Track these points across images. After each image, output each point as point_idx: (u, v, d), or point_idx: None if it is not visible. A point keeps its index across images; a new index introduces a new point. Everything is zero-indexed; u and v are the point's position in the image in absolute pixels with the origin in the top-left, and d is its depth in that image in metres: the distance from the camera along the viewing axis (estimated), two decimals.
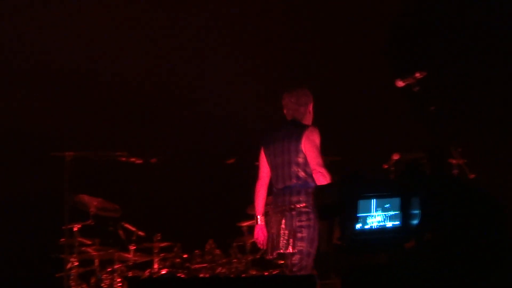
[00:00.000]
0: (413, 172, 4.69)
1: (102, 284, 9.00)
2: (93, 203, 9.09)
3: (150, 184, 10.17)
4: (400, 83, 7.93)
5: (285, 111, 7.53)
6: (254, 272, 9.13)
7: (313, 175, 7.07)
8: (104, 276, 9.03)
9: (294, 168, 7.18)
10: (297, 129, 7.24)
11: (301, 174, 7.16)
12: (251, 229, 9.33)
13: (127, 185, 10.09)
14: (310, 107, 7.52)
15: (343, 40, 10.48)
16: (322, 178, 6.93)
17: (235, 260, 9.17)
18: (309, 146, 7.16)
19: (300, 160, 7.17)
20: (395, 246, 4.63)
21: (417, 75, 7.82)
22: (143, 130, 10.39)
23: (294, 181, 7.17)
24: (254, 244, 9.31)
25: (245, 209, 9.31)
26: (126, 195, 9.81)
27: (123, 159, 9.16)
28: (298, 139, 7.18)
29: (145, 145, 9.96)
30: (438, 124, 7.72)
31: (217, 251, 9.15)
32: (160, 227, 9.23)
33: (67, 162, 8.91)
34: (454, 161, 7.86)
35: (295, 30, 10.54)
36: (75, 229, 8.95)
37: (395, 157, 8.39)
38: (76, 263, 8.95)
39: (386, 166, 8.52)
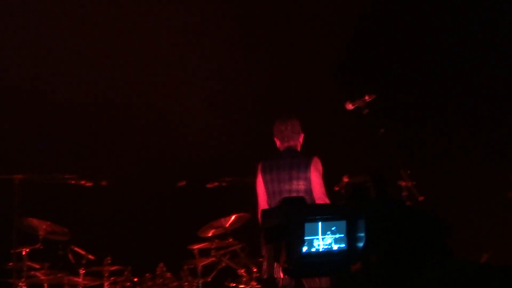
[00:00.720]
0: (358, 195, 4.71)
1: None
2: (42, 226, 8.98)
3: (100, 207, 10.08)
4: (349, 106, 8.02)
5: (278, 139, 7.76)
6: None
7: (320, 202, 7.40)
8: None
9: (296, 195, 7.35)
10: (304, 159, 7.54)
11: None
12: (202, 252, 9.34)
13: (77, 208, 10.00)
14: (302, 137, 7.80)
15: (293, 62, 10.54)
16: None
17: (186, 284, 9.13)
18: (316, 176, 7.52)
19: (305, 188, 7.46)
20: (341, 269, 4.63)
21: (366, 97, 7.92)
22: (93, 152, 10.31)
23: None
24: (205, 267, 9.33)
25: (196, 231, 9.29)
26: (75, 218, 9.72)
27: (73, 181, 9.08)
28: (307, 168, 7.49)
29: (95, 168, 9.89)
30: (388, 146, 7.79)
31: (168, 274, 9.10)
32: (110, 250, 9.12)
33: (16, 185, 8.84)
34: (403, 183, 7.91)
35: (245, 54, 10.58)
36: (23, 253, 8.84)
37: (346, 179, 8.43)
38: None
39: (337, 188, 8.55)
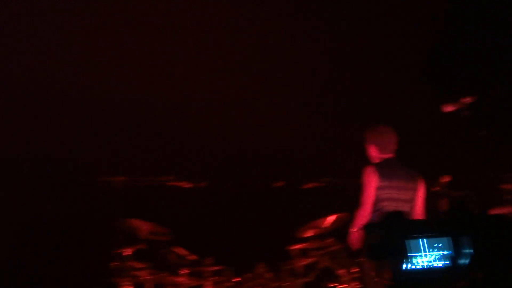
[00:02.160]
0: (462, 211, 4.63)
1: None
2: (144, 227, 9.14)
3: (200, 208, 10.22)
4: (448, 108, 7.87)
5: (378, 148, 7.81)
6: None
7: (418, 216, 7.54)
8: None
9: (408, 206, 7.57)
10: (415, 172, 7.76)
11: (411, 212, 7.58)
12: (301, 252, 9.34)
13: (178, 210, 10.14)
14: None
15: (390, 65, 10.44)
16: None
17: (287, 284, 9.14)
18: (422, 191, 7.74)
19: (414, 200, 7.64)
20: (445, 286, 4.57)
21: (466, 99, 7.76)
22: (192, 154, 10.42)
23: (409, 217, 7.49)
24: (305, 267, 9.33)
25: (295, 232, 9.30)
26: (176, 219, 9.85)
27: (173, 183, 9.20)
28: (418, 182, 7.71)
29: (195, 169, 9.99)
30: (489, 149, 7.64)
31: (268, 275, 9.12)
32: (211, 250, 9.21)
33: (118, 187, 8.99)
34: (506, 187, 7.74)
35: (337, 56, 10.53)
36: (126, 253, 9.00)
37: (445, 179, 8.33)
38: (129, 287, 8.99)
39: (434, 189, 8.45)
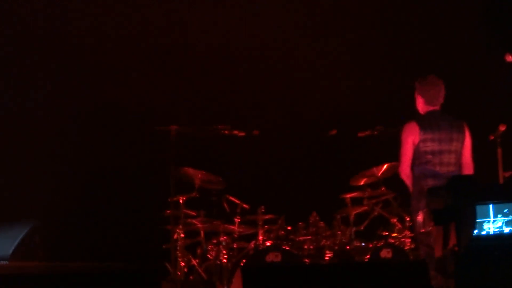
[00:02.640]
0: None
1: (208, 255, 9.11)
2: (197, 175, 9.18)
3: (253, 157, 10.23)
4: (510, 58, 7.76)
5: (425, 99, 7.68)
6: (358, 244, 9.11)
7: (466, 167, 7.36)
8: (209, 247, 9.14)
9: (454, 157, 7.43)
10: (459, 122, 7.61)
11: (458, 162, 7.43)
12: (354, 200, 9.35)
13: (231, 158, 10.18)
14: None
15: (448, 13, 10.29)
16: (472, 170, 7.23)
17: (339, 232, 9.16)
18: (469, 140, 7.57)
19: (460, 150, 7.48)
20: None
21: None
22: (245, 103, 10.41)
23: (454, 168, 7.32)
24: (357, 216, 9.35)
25: (348, 180, 9.30)
26: (229, 168, 9.90)
27: (226, 132, 9.21)
28: (463, 132, 7.56)
29: (248, 118, 10.00)
30: None
31: (321, 223, 9.13)
32: (264, 199, 9.24)
33: (172, 135, 9.04)
34: None
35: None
36: (180, 201, 9.08)
37: (502, 128, 8.25)
38: (182, 235, 9.09)
39: (492, 137, 8.37)
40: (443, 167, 7.38)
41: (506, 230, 4.51)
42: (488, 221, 4.49)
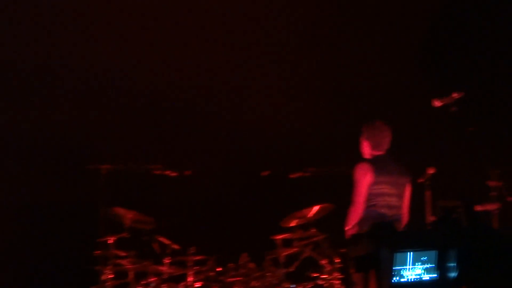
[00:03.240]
0: (449, 223, 4.64)
1: None
2: (128, 215, 9.10)
3: (184, 197, 10.18)
4: (437, 103, 7.89)
5: (371, 144, 7.82)
6: (287, 286, 9.11)
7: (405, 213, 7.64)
8: None
9: (400, 201, 7.64)
10: (405, 168, 7.82)
11: (401, 206, 7.63)
12: (285, 242, 9.36)
13: (162, 198, 10.12)
14: None
15: (378, 55, 10.44)
16: (407, 215, 7.60)
17: (269, 274, 9.15)
18: (410, 185, 7.79)
19: (403, 195, 7.69)
20: None
21: (454, 95, 7.78)
22: (178, 143, 10.39)
23: (399, 212, 7.58)
24: (288, 257, 9.35)
25: (279, 222, 9.31)
26: (160, 207, 9.84)
27: (158, 172, 9.18)
28: (407, 178, 7.78)
29: (180, 158, 9.96)
30: (476, 145, 7.66)
31: (251, 265, 9.14)
32: (195, 240, 9.20)
33: (103, 175, 8.97)
34: (492, 183, 7.77)
35: (330, 53, 10.52)
36: (110, 241, 8.98)
37: (431, 171, 8.37)
38: (111, 275, 8.98)
39: (421, 180, 8.48)
40: (391, 210, 7.49)
41: (425, 277, 4.54)
42: (407, 269, 4.52)
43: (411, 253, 4.52)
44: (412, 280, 4.53)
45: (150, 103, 10.35)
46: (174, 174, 9.25)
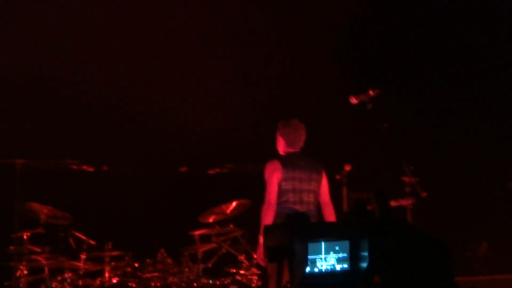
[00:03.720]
0: (361, 214, 4.69)
1: None
2: (43, 210, 8.98)
3: (101, 192, 10.09)
4: (353, 100, 7.99)
5: (286, 142, 7.86)
6: (205, 281, 9.10)
7: (326, 206, 7.81)
8: (54, 284, 8.92)
9: (313, 196, 7.73)
10: (318, 163, 7.88)
11: (316, 202, 7.77)
12: (203, 238, 9.35)
13: (78, 193, 10.01)
14: None
15: (296, 52, 10.52)
16: (332, 210, 7.77)
17: (187, 269, 9.13)
18: (326, 181, 7.89)
19: (318, 190, 7.78)
20: None
21: (370, 92, 7.89)
22: (95, 138, 10.28)
23: (313, 207, 7.70)
24: (206, 253, 9.34)
25: (197, 217, 9.30)
26: (77, 203, 9.72)
27: (74, 167, 9.06)
28: (321, 172, 7.85)
29: (97, 153, 9.87)
30: (391, 142, 7.77)
31: (169, 260, 9.10)
32: (111, 236, 9.12)
33: (17, 169, 8.81)
34: (406, 179, 7.89)
35: (247, 53, 10.57)
36: (25, 236, 8.85)
37: (347, 168, 8.44)
38: (26, 271, 8.86)
39: (338, 177, 8.55)
40: (303, 205, 7.54)
41: (338, 267, 4.59)
42: (320, 259, 4.56)
43: (324, 243, 4.55)
44: (325, 270, 4.57)
45: (68, 98, 10.23)
46: (91, 169, 9.13)
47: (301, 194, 7.63)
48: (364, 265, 4.58)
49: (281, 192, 7.58)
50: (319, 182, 7.77)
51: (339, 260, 4.59)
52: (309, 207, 7.62)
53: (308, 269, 4.52)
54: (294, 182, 7.63)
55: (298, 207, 7.58)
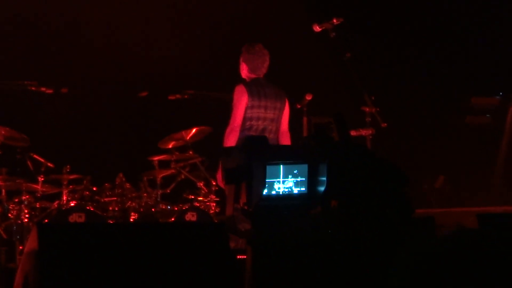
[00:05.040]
0: (321, 138, 4.70)
1: (9, 215, 8.84)
2: (0, 132, 8.85)
3: (60, 115, 9.99)
4: (317, 28, 7.96)
5: (250, 68, 7.73)
6: (164, 207, 9.12)
7: (283, 135, 7.77)
8: (11, 206, 8.86)
9: (275, 125, 7.69)
10: (282, 91, 7.82)
11: (277, 130, 7.74)
12: (162, 163, 9.34)
13: (37, 116, 9.90)
14: None
15: None
16: (289, 140, 7.73)
17: (145, 195, 9.13)
18: (288, 110, 7.83)
19: (279, 119, 7.74)
20: (301, 212, 4.66)
21: (334, 21, 7.85)
22: (54, 59, 10.13)
23: (274, 136, 7.69)
24: (164, 179, 9.35)
25: (157, 143, 9.27)
26: (35, 125, 9.63)
27: (33, 88, 8.93)
28: (284, 101, 7.78)
29: (56, 75, 9.75)
30: (353, 71, 7.77)
31: (127, 185, 9.06)
32: (70, 159, 9.04)
33: None
34: (367, 109, 7.90)
35: None
36: None
37: (308, 97, 8.42)
38: None
39: (299, 106, 8.55)
40: (265, 134, 7.53)
41: (295, 190, 4.61)
42: (279, 182, 4.57)
43: (282, 166, 4.56)
44: (282, 192, 4.58)
45: (28, 19, 10.03)
46: (49, 91, 9.00)
47: (265, 122, 7.61)
48: (322, 189, 4.60)
49: (245, 119, 7.55)
50: (282, 111, 7.75)
51: (297, 184, 4.60)
52: (270, 135, 7.61)
53: (265, 191, 4.53)
54: (260, 110, 7.58)
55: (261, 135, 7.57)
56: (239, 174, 4.52)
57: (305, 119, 8.40)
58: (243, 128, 7.53)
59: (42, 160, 8.96)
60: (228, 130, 7.55)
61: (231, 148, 6.21)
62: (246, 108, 7.55)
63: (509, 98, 10.62)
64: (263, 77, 7.77)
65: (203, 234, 5.18)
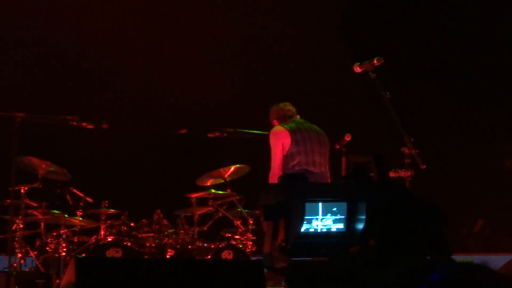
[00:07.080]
0: (360, 177, 4.68)
1: (47, 248, 8.90)
2: (41, 165, 8.94)
3: (100, 150, 10.09)
4: (357, 69, 7.94)
5: (282, 121, 7.88)
6: (200, 244, 9.11)
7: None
8: (49, 239, 8.92)
9: (324, 158, 7.81)
10: (324, 135, 7.98)
11: (326, 164, 7.85)
12: (199, 200, 9.35)
13: (77, 150, 10.00)
14: None
15: (301, 19, 10.48)
16: (329, 180, 7.81)
17: (182, 231, 9.14)
18: (329, 155, 7.96)
19: (326, 153, 7.91)
20: (339, 250, 4.63)
21: (375, 62, 7.83)
22: (96, 95, 10.26)
23: (325, 169, 7.83)
24: (201, 216, 9.36)
25: (195, 180, 9.29)
26: (75, 159, 9.72)
27: (74, 123, 9.01)
28: (326, 146, 7.96)
29: (98, 110, 9.86)
30: (393, 112, 7.74)
31: (165, 221, 9.09)
32: (108, 194, 9.11)
33: (17, 122, 8.75)
34: (406, 151, 7.85)
35: (253, 15, 10.54)
36: (22, 190, 8.81)
37: (347, 138, 8.40)
38: (21, 225, 8.83)
39: (338, 146, 8.53)
40: (316, 167, 7.52)
41: (334, 228, 4.59)
42: (317, 219, 4.56)
43: (322, 203, 4.55)
44: (321, 230, 4.57)
45: (71, 56, 10.18)
46: (90, 126, 9.08)
47: (313, 155, 7.61)
48: (360, 227, 4.57)
49: (291, 155, 7.55)
50: (327, 145, 7.78)
51: (335, 221, 4.58)
52: (321, 168, 7.61)
53: (303, 228, 4.52)
54: (306, 143, 7.60)
55: (311, 169, 7.57)
56: (277, 210, 4.51)
57: (344, 159, 8.37)
58: (292, 164, 7.53)
59: (81, 194, 9.04)
60: (270, 174, 7.59)
61: (270, 185, 6.21)
62: (289, 145, 7.56)
63: None
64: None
65: (239, 272, 5.16)
